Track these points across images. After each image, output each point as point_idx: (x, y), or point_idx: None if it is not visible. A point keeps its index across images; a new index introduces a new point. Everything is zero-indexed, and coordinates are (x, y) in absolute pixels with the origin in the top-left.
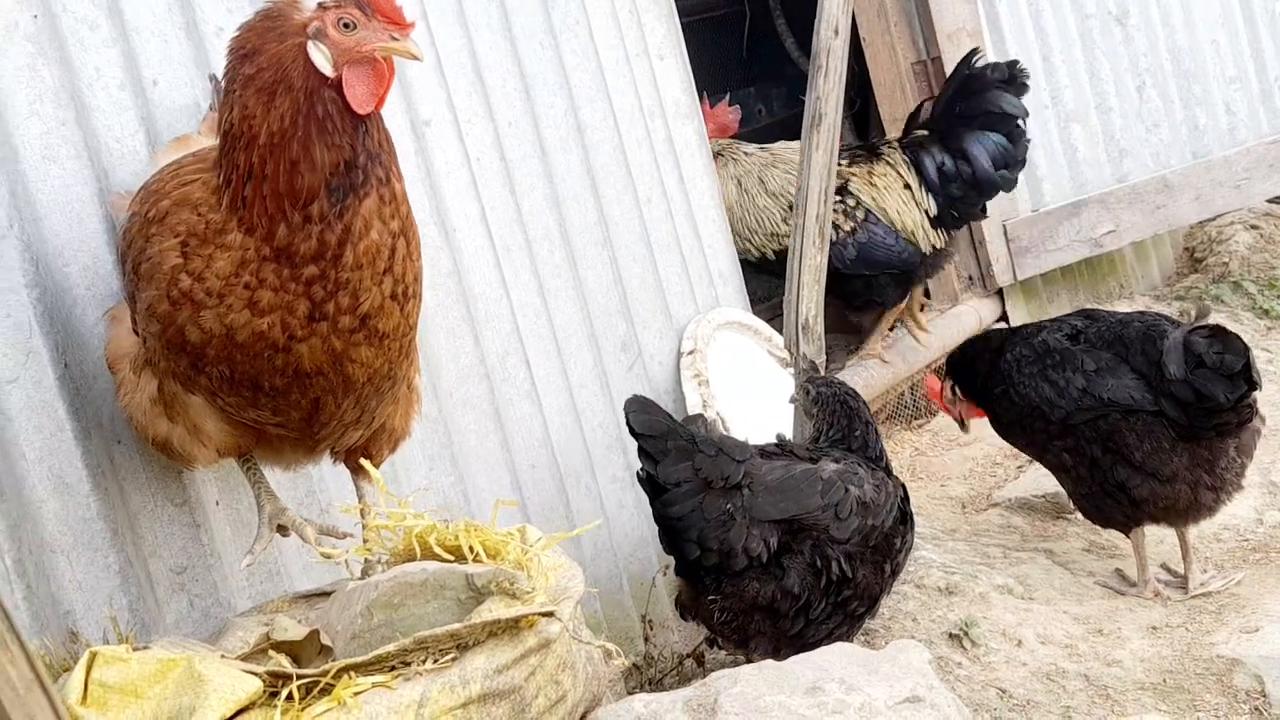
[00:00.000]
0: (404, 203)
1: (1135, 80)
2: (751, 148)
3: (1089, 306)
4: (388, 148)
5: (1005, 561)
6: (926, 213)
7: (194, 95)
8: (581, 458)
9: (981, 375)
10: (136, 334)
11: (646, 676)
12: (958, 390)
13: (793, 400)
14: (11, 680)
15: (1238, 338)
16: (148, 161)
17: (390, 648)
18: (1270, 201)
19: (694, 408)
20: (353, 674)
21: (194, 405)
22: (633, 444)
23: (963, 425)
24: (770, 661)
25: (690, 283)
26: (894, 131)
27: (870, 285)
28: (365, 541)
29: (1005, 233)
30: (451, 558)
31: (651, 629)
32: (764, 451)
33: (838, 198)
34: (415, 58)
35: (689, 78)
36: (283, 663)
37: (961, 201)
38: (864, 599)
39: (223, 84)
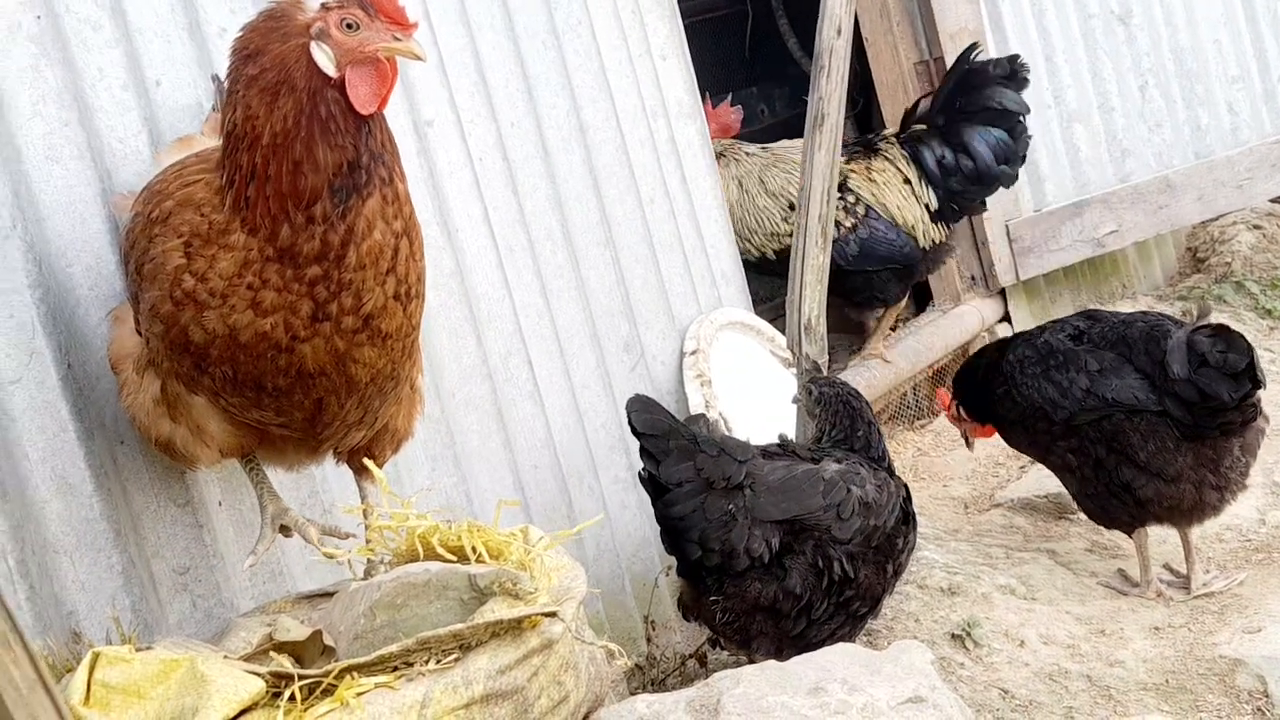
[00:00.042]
0: (407, 203)
1: (1138, 80)
2: (753, 148)
3: (1091, 306)
4: (391, 148)
5: (1008, 562)
6: (927, 207)
7: (197, 96)
8: (584, 458)
9: (982, 371)
10: (139, 334)
11: (649, 677)
12: (963, 410)
13: (795, 400)
14: (15, 680)
15: (1241, 337)
16: (151, 162)
17: (393, 648)
18: (1273, 201)
19: (696, 408)
20: (355, 674)
21: (197, 406)
22: (635, 444)
23: (968, 443)
24: (773, 662)
25: (693, 283)
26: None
27: (871, 282)
28: (368, 542)
29: (1008, 233)
30: (454, 558)
31: (654, 629)
32: (766, 452)
33: (837, 195)
34: (418, 58)
35: (691, 78)
36: (285, 663)
37: (962, 195)
38: (866, 599)
39: (226, 84)
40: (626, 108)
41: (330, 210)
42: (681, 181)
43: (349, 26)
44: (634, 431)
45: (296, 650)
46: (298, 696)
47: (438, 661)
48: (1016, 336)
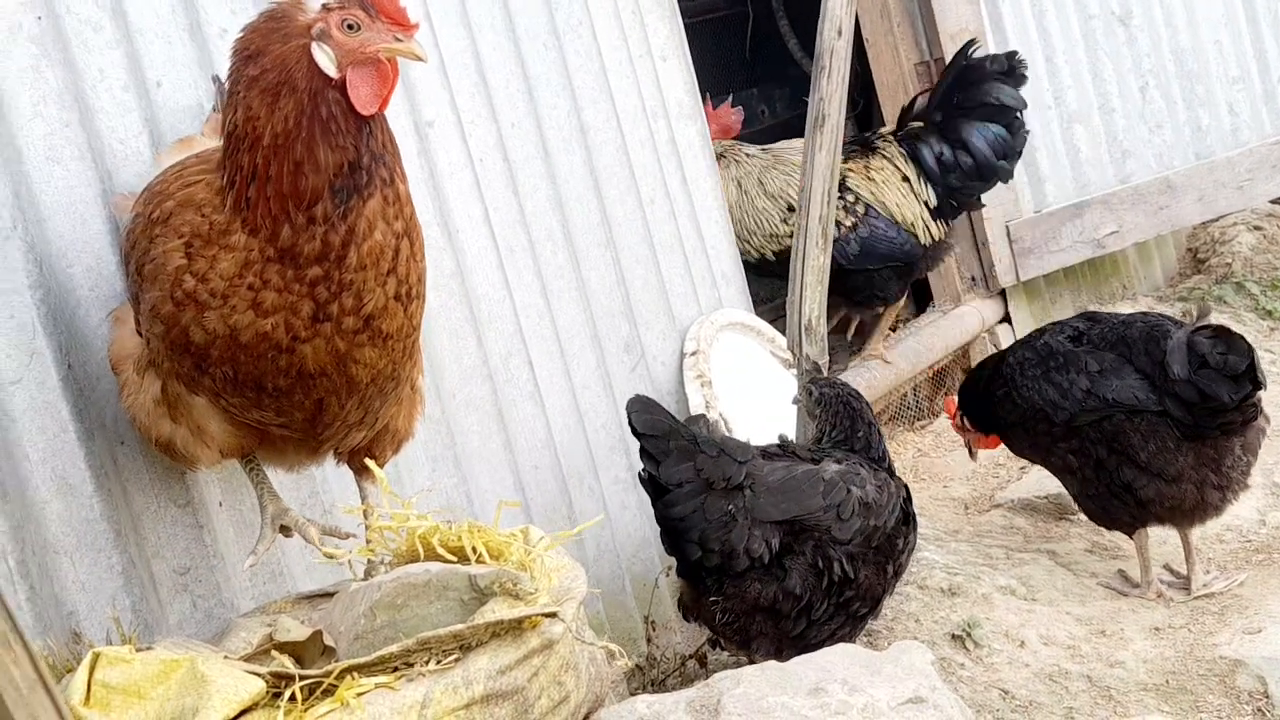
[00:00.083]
0: (408, 204)
1: (1138, 81)
2: (754, 149)
3: (1092, 307)
4: (391, 149)
5: (1008, 562)
6: (926, 204)
7: (197, 97)
8: (584, 459)
9: (984, 381)
10: (140, 335)
11: (649, 677)
12: (966, 421)
13: (796, 401)
14: (15, 680)
15: (1242, 338)
16: (151, 163)
17: (393, 648)
18: (1273, 202)
19: (697, 409)
20: (356, 675)
21: (197, 406)
22: (635, 445)
23: (971, 454)
24: (773, 662)
25: (693, 284)
26: None
27: (872, 280)
28: (368, 542)
29: (1008, 233)
30: (455, 559)
31: (654, 630)
32: (766, 452)
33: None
34: (419, 59)
35: (692, 79)
36: (285, 663)
37: (960, 192)
38: (866, 600)
39: (226, 85)
40: (627, 109)
41: (331, 211)
42: (682, 182)
43: (350, 27)
44: (634, 432)
45: (297, 650)
46: (298, 697)
47: (438, 662)
48: (1016, 343)
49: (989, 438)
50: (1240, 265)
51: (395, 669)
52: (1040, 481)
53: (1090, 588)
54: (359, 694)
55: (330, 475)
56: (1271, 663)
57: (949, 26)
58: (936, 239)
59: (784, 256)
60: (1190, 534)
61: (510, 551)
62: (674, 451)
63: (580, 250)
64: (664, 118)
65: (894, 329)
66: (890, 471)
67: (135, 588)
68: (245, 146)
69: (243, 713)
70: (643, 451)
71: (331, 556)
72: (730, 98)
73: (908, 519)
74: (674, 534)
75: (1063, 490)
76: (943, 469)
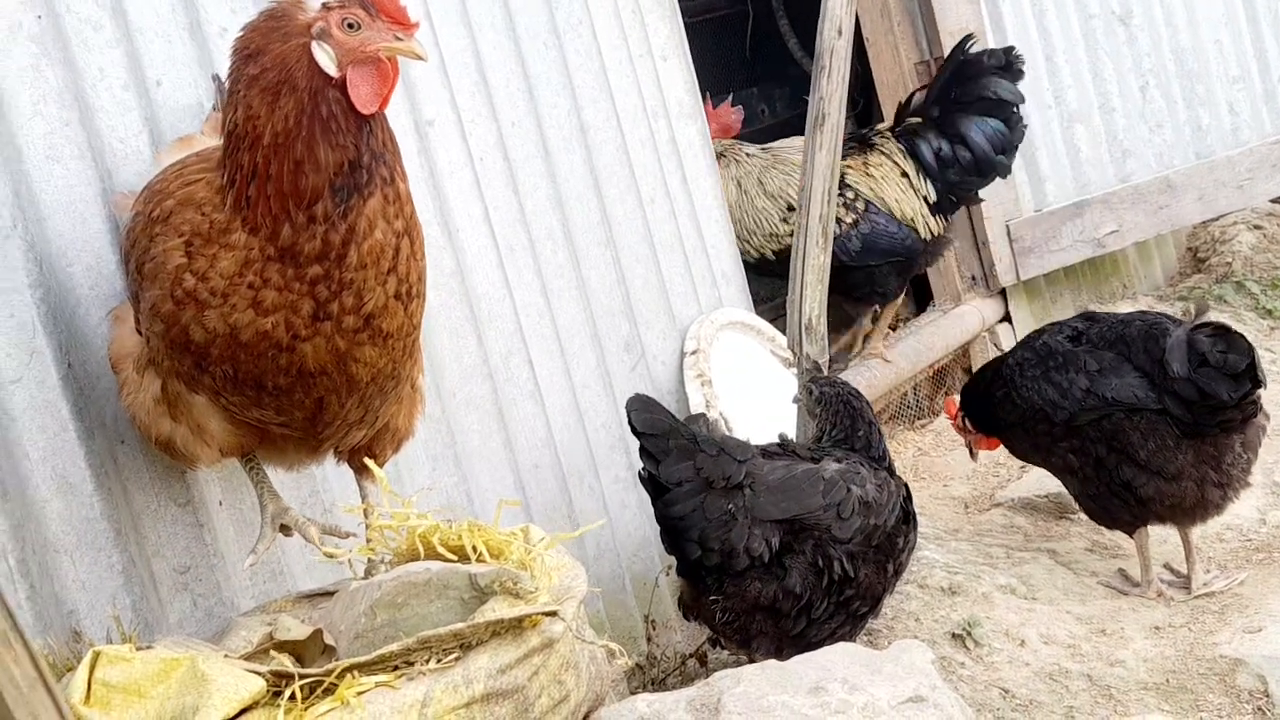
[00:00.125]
0: (408, 202)
1: (1138, 80)
2: (753, 148)
3: (1092, 306)
4: (392, 147)
5: (1008, 561)
6: (925, 199)
7: (197, 95)
8: (584, 458)
9: (985, 383)
10: (140, 334)
11: (649, 676)
12: (968, 422)
13: (796, 400)
14: (15, 679)
15: (1242, 337)
16: (151, 161)
17: (394, 647)
18: (1273, 201)
19: (697, 408)
20: (356, 673)
21: (197, 405)
22: (635, 444)
23: (972, 454)
24: (773, 661)
25: (693, 283)
26: None
27: (872, 276)
28: (368, 541)
29: (1008, 233)
30: (455, 557)
31: (654, 629)
32: (766, 451)
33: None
34: (420, 58)
35: (692, 78)
36: (286, 662)
37: (959, 186)
38: (866, 599)
39: (227, 84)
40: (627, 108)
41: (331, 210)
42: (682, 181)
43: (350, 26)
44: (634, 431)
45: (297, 649)
46: (298, 695)
47: (438, 660)
48: (1016, 345)
49: (990, 439)
50: (1240, 264)
51: (395, 668)
52: (1040, 481)
53: (1090, 587)
54: (359, 693)
55: (330, 474)
56: (1272, 661)
57: (949, 25)
58: (936, 234)
59: (784, 256)
60: (1191, 533)
61: (510, 550)
62: (674, 450)
63: (580, 249)
64: (664, 117)
65: (894, 328)
66: (890, 470)
67: (135, 586)
68: (245, 145)
69: (243, 711)
70: (642, 450)
71: (332, 555)
72: (730, 97)
73: (908, 518)
74: (674, 533)
75: (1063, 489)
76: (943, 468)
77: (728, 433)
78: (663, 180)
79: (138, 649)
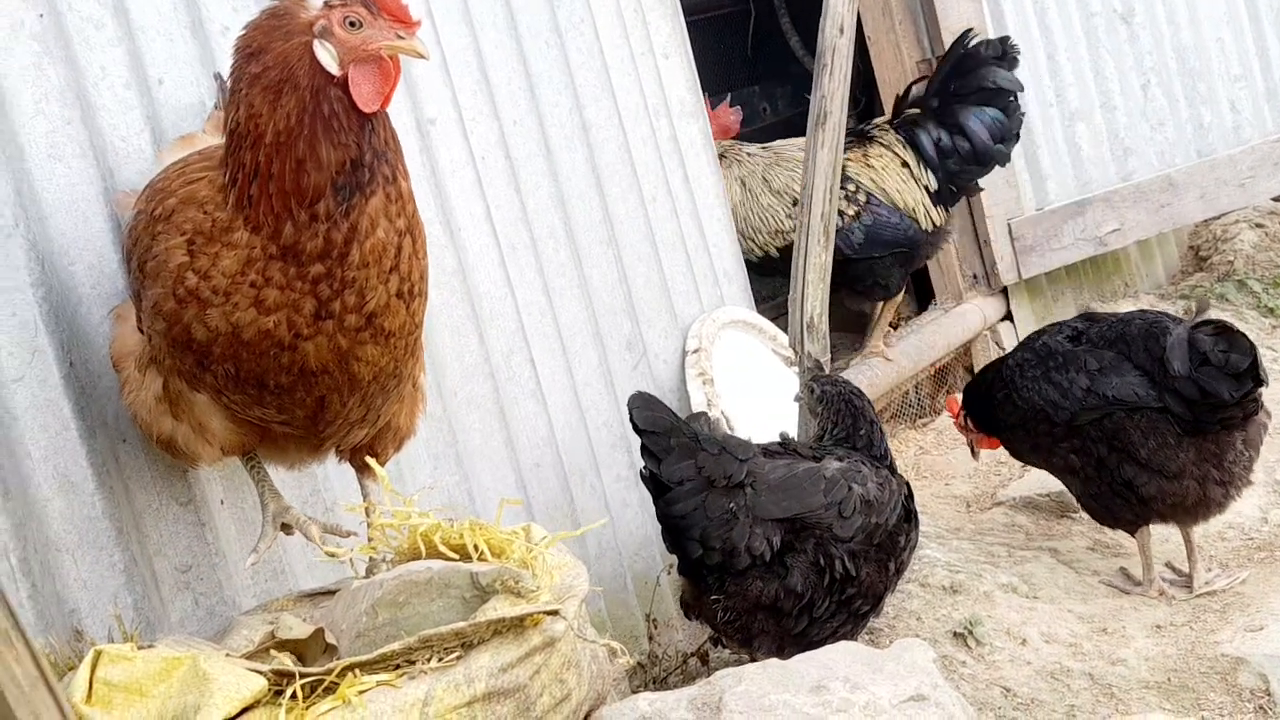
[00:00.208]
0: (410, 201)
1: (1140, 78)
2: (754, 148)
3: (1093, 305)
4: (394, 146)
5: (1010, 560)
6: (927, 189)
7: (199, 94)
8: (586, 456)
9: (987, 384)
10: (141, 332)
11: (651, 675)
12: (970, 421)
13: (797, 399)
14: (17, 678)
15: (1243, 335)
16: (153, 160)
17: (395, 646)
18: (1275, 200)
19: (698, 406)
20: (357, 672)
21: (199, 403)
22: (637, 443)
23: (974, 453)
24: (775, 660)
25: (695, 281)
26: None
27: (874, 269)
28: (370, 540)
29: (1010, 231)
30: (456, 556)
31: (656, 628)
32: (767, 450)
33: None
34: (421, 56)
35: (694, 76)
36: (287, 661)
37: (959, 176)
38: (868, 597)
39: (229, 83)
40: (629, 106)
41: (333, 208)
42: (684, 180)
43: (352, 24)
44: (635, 428)
45: (298, 648)
46: (300, 694)
47: (440, 659)
48: (1016, 346)
49: (991, 438)
50: (1242, 263)
51: (397, 667)
52: (1042, 479)
53: (1092, 585)
54: (361, 692)
55: (332, 473)
56: (1273, 660)
57: (951, 24)
58: (937, 224)
59: (789, 253)
60: (1192, 531)
61: (512, 549)
62: (675, 449)
63: (582, 248)
64: (666, 115)
65: (895, 326)
66: (892, 469)
67: (137, 585)
68: (247, 144)
69: (244, 710)
70: (644, 449)
71: (333, 554)
72: (728, 98)
73: (909, 516)
74: (675, 532)
75: (1064, 488)
76: (944, 467)
77: (729, 431)
78: (664, 179)
79: (139, 648)
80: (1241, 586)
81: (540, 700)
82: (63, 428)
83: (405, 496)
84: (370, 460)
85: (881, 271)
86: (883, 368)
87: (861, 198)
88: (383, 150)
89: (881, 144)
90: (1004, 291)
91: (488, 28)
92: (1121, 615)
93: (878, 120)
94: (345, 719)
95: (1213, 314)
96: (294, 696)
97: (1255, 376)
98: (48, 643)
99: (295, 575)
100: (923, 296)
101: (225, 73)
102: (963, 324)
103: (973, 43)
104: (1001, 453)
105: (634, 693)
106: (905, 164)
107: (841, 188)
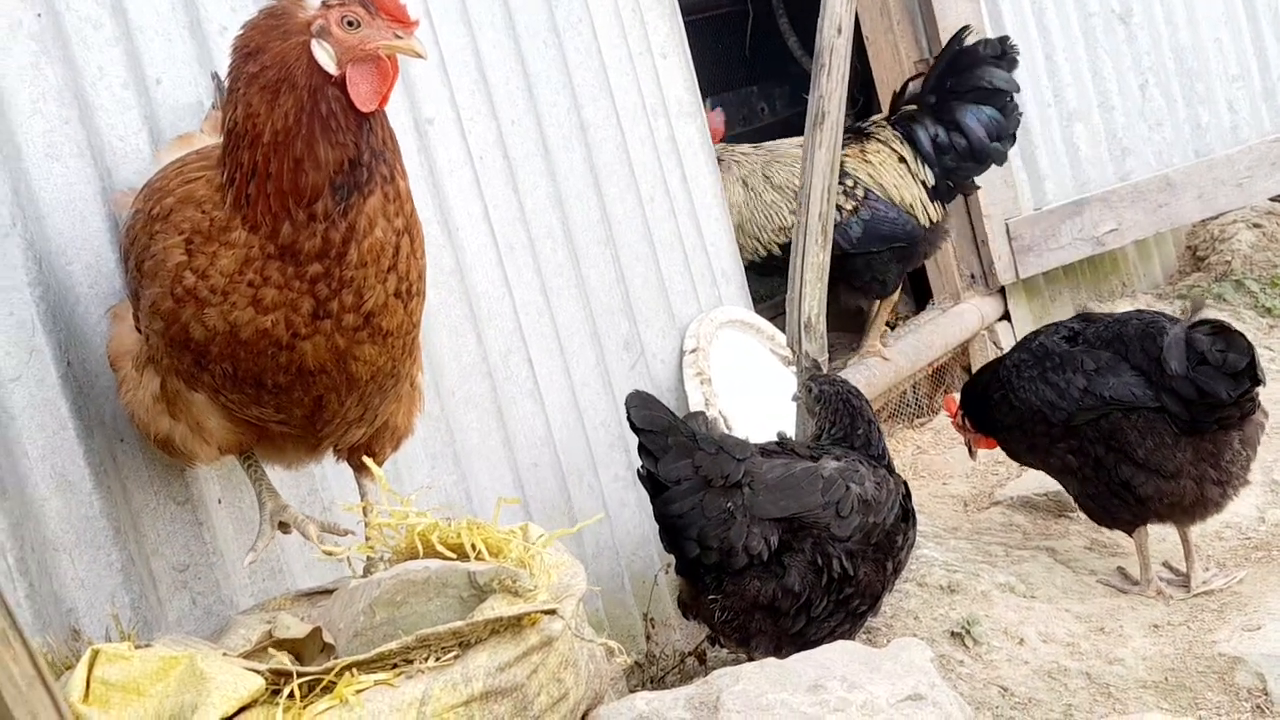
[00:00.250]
0: (408, 200)
1: (1138, 78)
2: (747, 148)
3: (1091, 305)
4: (392, 145)
5: (1007, 560)
6: (924, 184)
7: (197, 94)
8: (584, 456)
9: (984, 384)
10: (139, 331)
11: (648, 674)
12: (968, 421)
13: (795, 398)
14: (14, 677)
15: (1241, 335)
16: (151, 160)
17: (392, 645)
18: (1273, 200)
19: (696, 406)
20: (355, 671)
21: (196, 402)
22: (635, 442)
23: (971, 453)
24: (772, 659)
25: (693, 281)
26: None
27: (872, 264)
28: (367, 539)
29: (1007, 231)
30: (454, 555)
31: (653, 627)
32: (765, 450)
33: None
34: (419, 55)
35: (692, 76)
36: (285, 661)
37: (956, 172)
38: (866, 597)
39: (226, 82)
40: (627, 106)
41: (331, 208)
42: (682, 180)
43: (350, 24)
44: (633, 427)
45: (296, 647)
46: (297, 694)
47: (437, 659)
48: (1013, 347)
49: (989, 439)
50: (1240, 263)
51: (394, 666)
52: (1040, 479)
53: (1089, 585)
54: (358, 691)
55: (329, 472)
56: (1270, 660)
57: (949, 23)
58: (934, 221)
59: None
60: (1190, 531)
61: (509, 548)
62: (672, 448)
63: (580, 248)
64: (664, 115)
65: (891, 326)
66: (889, 468)
67: (134, 585)
68: (245, 143)
69: (242, 710)
70: (641, 448)
71: (331, 553)
72: (708, 102)
73: (907, 516)
74: (672, 531)
75: (1062, 488)
76: (942, 466)
77: (727, 431)
78: (662, 178)
79: (136, 647)
80: (1239, 586)
81: (538, 699)
82: (60, 427)
83: (403, 496)
84: (368, 460)
85: (879, 267)
86: (880, 367)
87: (860, 193)
88: (381, 150)
89: (879, 140)
90: (1001, 291)
91: (485, 27)
92: (1119, 615)
93: (875, 117)
94: (343, 718)
95: (1210, 313)
96: (291, 696)
97: (1253, 376)
98: (45, 642)
99: (293, 574)
100: (920, 296)
101: (223, 72)
102: (960, 324)
103: (969, 40)
104: (999, 452)
105: (631, 692)
106: (903, 160)
107: (840, 183)
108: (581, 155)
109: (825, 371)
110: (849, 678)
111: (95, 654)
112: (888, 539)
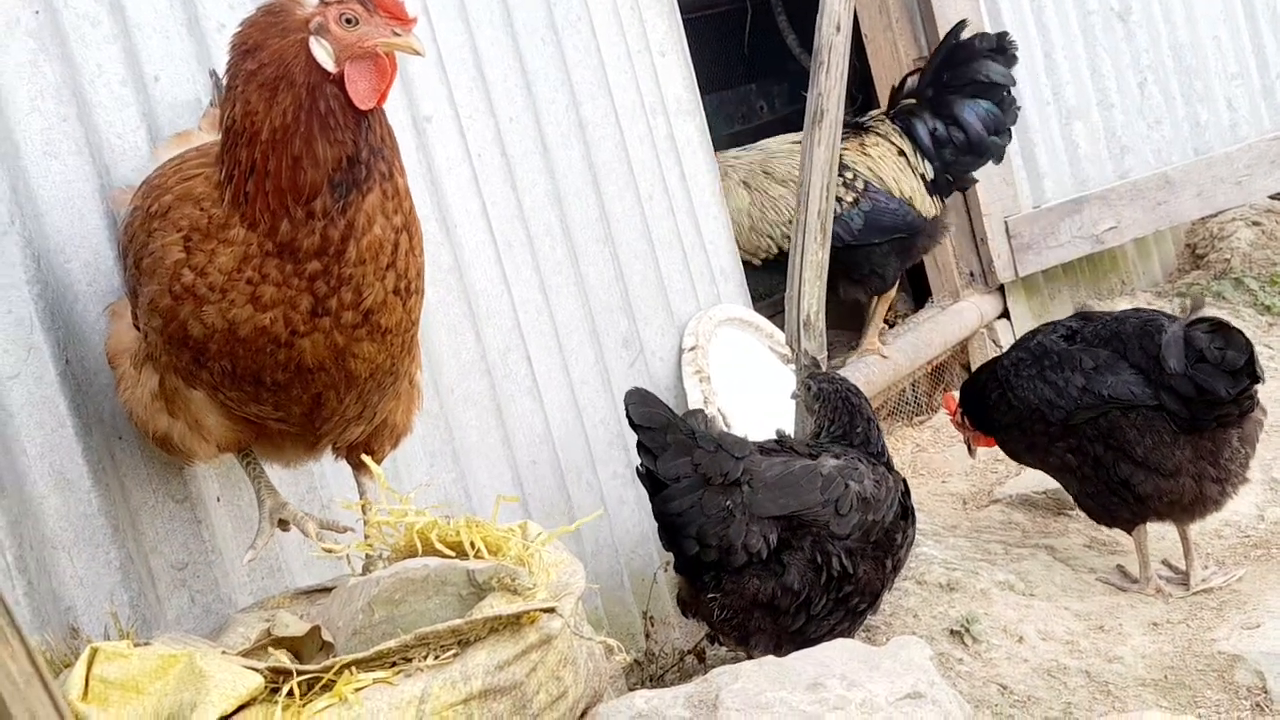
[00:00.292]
0: (406, 198)
1: (1137, 76)
2: (737, 151)
3: (1090, 303)
4: (390, 143)
5: (1006, 558)
6: (923, 177)
7: (195, 91)
8: (583, 454)
9: (982, 383)
10: (137, 329)
11: (648, 673)
12: (967, 419)
13: (794, 396)
14: (12, 675)
15: (1240, 333)
16: (149, 157)
17: (391, 644)
18: (1272, 198)
19: (695, 404)
20: (354, 670)
21: (195, 400)
22: (634, 440)
23: (971, 451)
24: (771, 658)
25: (692, 279)
26: None
27: (871, 256)
28: (366, 537)
29: (1007, 229)
30: (453, 554)
31: (653, 625)
32: (763, 448)
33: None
34: (417, 53)
35: (691, 74)
36: (284, 659)
37: (955, 166)
38: (865, 595)
39: (225, 80)
40: (625, 104)
41: (330, 205)
42: (680, 178)
43: (348, 21)
44: (631, 424)
45: (295, 646)
46: (296, 692)
47: (436, 657)
48: (1011, 346)
49: (988, 437)
50: (1239, 261)
51: (393, 664)
52: (1039, 477)
53: (1089, 583)
54: (357, 689)
55: (328, 470)
56: (1270, 658)
57: (947, 21)
58: (933, 214)
59: None
60: (1189, 529)
61: (508, 547)
62: (671, 446)
63: (579, 245)
64: (663, 113)
65: (891, 324)
66: (889, 466)
67: (133, 583)
68: (244, 141)
69: (241, 708)
70: (640, 445)
71: (330, 551)
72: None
73: (906, 514)
74: (671, 529)
75: (1061, 486)
76: (941, 464)
77: (726, 429)
78: (661, 176)
79: (135, 645)
80: (1238, 584)
81: (537, 698)
82: (58, 425)
83: (402, 494)
84: (366, 458)
85: (878, 260)
86: (879, 365)
87: (860, 185)
88: (379, 147)
89: (878, 134)
90: (1001, 289)
91: (484, 25)
92: (1118, 613)
93: (874, 111)
94: (342, 716)
95: (1209, 311)
96: (290, 694)
97: (1251, 373)
98: (43, 640)
99: (292, 573)
100: (919, 294)
101: (221, 70)
102: (959, 322)
103: (966, 35)
104: (998, 450)
105: (631, 690)
106: (901, 153)
107: (840, 175)
108: (580, 153)
109: (824, 369)
110: (848, 676)
111: (94, 652)
112: (887, 537)
